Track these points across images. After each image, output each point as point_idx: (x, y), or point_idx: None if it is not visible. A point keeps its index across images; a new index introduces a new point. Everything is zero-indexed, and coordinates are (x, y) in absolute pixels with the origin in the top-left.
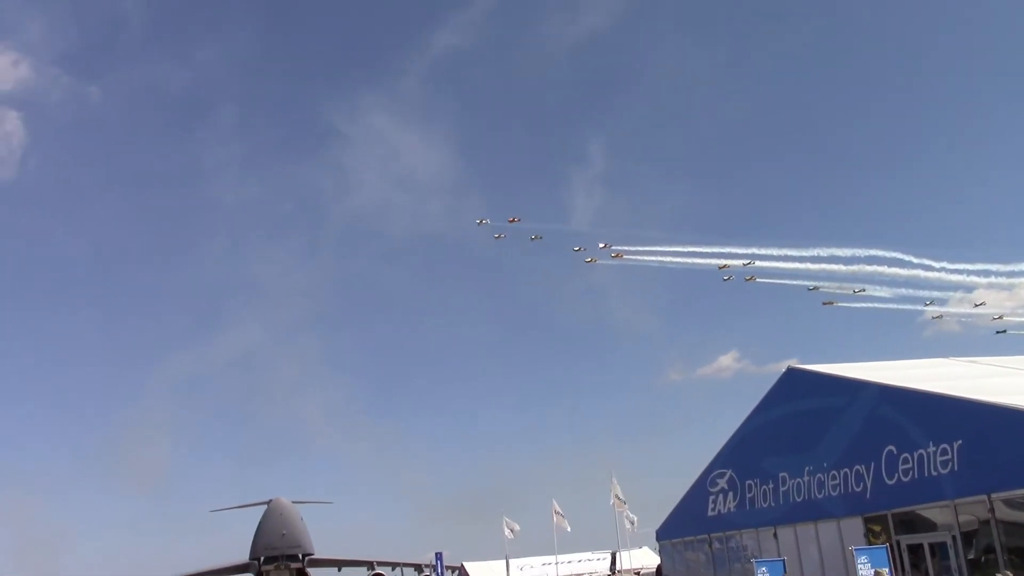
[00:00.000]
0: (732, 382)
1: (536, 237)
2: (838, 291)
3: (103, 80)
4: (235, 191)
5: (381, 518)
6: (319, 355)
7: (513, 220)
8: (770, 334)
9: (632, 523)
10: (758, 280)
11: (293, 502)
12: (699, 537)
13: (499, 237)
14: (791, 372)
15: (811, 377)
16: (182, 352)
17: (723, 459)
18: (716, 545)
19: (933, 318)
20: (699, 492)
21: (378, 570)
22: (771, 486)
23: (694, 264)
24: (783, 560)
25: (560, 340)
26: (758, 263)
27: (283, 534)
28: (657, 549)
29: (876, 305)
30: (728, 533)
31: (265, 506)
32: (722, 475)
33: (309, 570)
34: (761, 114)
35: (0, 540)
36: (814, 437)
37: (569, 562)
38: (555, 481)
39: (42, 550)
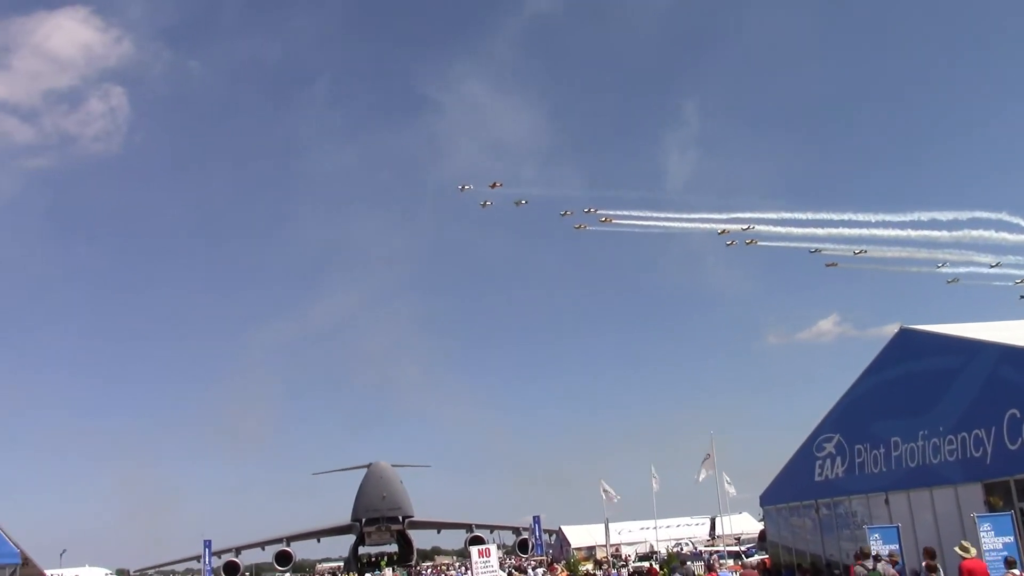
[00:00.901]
0: (832, 346)
1: (519, 202)
2: (941, 258)
3: (202, 54)
4: (332, 160)
5: (479, 481)
6: (415, 320)
7: (495, 185)
8: (870, 297)
9: (730, 485)
10: (857, 254)
11: (392, 465)
12: (805, 503)
13: (485, 205)
14: (904, 333)
15: (925, 338)
16: (282, 319)
17: (830, 423)
18: (824, 511)
19: None
20: (805, 457)
21: (476, 532)
22: (882, 451)
23: (788, 234)
24: (897, 527)
25: (655, 305)
26: (849, 231)
27: (383, 496)
28: (760, 515)
29: (979, 269)
30: (836, 499)
31: (365, 469)
32: (829, 439)
33: (409, 532)
34: (858, 72)
35: (117, 502)
36: (929, 400)
37: (668, 527)
38: (654, 445)
39: (155, 511)
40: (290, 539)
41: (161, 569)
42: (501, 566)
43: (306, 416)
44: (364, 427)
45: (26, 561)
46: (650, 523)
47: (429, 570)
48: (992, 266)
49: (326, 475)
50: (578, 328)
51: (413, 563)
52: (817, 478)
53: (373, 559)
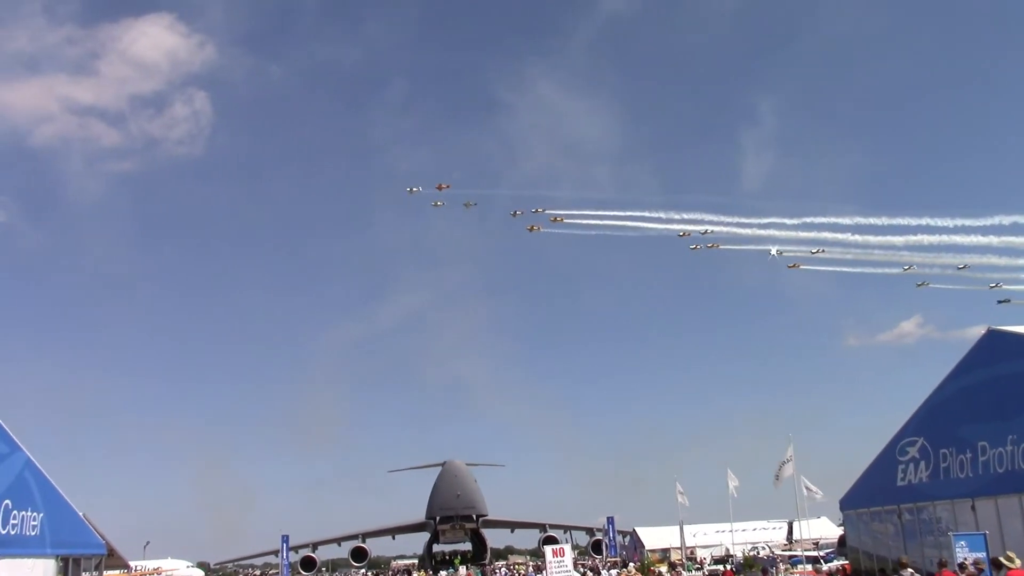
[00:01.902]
0: (915, 348)
1: (469, 204)
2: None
3: (282, 58)
4: (405, 162)
5: (552, 481)
6: (484, 320)
7: (442, 187)
8: (954, 298)
9: (810, 491)
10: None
11: (467, 464)
12: (887, 508)
13: (437, 205)
14: (992, 334)
15: (1015, 340)
16: (354, 319)
17: (914, 426)
18: (907, 516)
19: None
20: (887, 461)
21: (550, 532)
22: (968, 455)
23: (865, 242)
24: (984, 534)
25: (732, 304)
26: (929, 238)
27: (458, 495)
28: (839, 519)
29: None
30: (920, 504)
31: (440, 468)
32: (913, 443)
33: (483, 531)
34: (938, 71)
35: (198, 498)
36: (1018, 404)
37: (744, 530)
38: (729, 447)
39: (233, 507)
40: (365, 536)
41: (240, 563)
42: (575, 566)
43: (379, 414)
44: (436, 425)
45: (111, 552)
46: (726, 526)
47: (502, 569)
48: None
49: (400, 472)
50: (652, 329)
51: (487, 562)
52: (900, 482)
53: (447, 557)
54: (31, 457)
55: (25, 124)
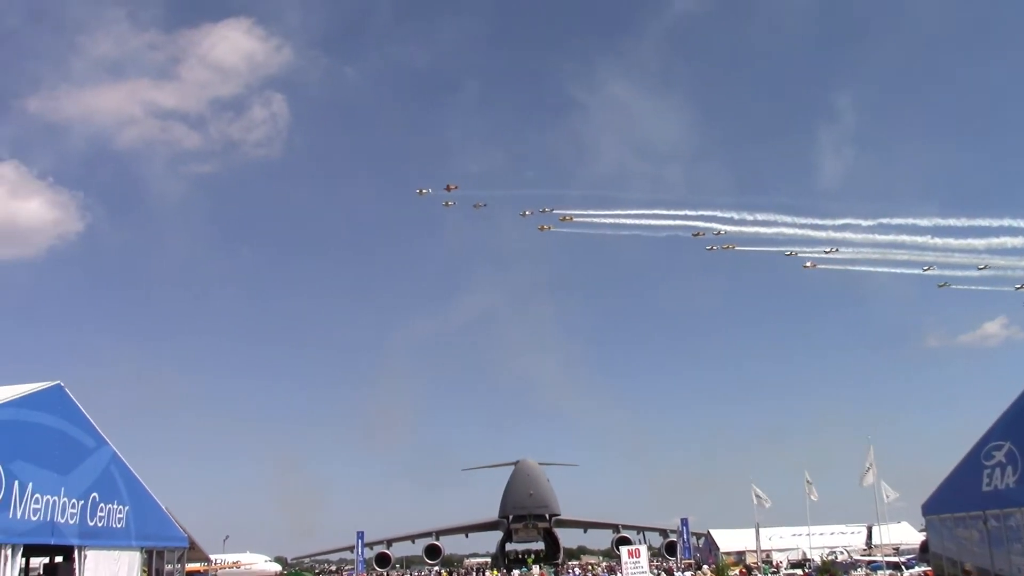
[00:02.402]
0: (999, 350)
1: (478, 204)
2: None
3: (356, 60)
4: (478, 162)
5: (624, 481)
6: (555, 318)
7: (450, 187)
8: None
9: (888, 497)
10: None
11: (540, 463)
12: (972, 514)
13: (447, 205)
14: None
15: None
16: (427, 316)
17: (1000, 430)
18: (992, 523)
19: None
20: (972, 465)
21: (623, 533)
22: None
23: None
24: None
25: (808, 301)
26: (1013, 240)
27: (530, 494)
28: (921, 525)
29: None
30: (1007, 511)
31: (513, 467)
32: (999, 447)
33: (556, 530)
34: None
35: (275, 495)
36: None
37: (821, 534)
38: (806, 448)
39: (309, 503)
40: (439, 533)
41: (316, 558)
42: (649, 568)
43: (452, 412)
44: (508, 424)
45: (193, 545)
46: (803, 529)
47: (575, 569)
48: None
49: (473, 471)
50: (725, 327)
51: (560, 561)
52: (985, 488)
53: (520, 556)
54: (117, 452)
55: (110, 128)
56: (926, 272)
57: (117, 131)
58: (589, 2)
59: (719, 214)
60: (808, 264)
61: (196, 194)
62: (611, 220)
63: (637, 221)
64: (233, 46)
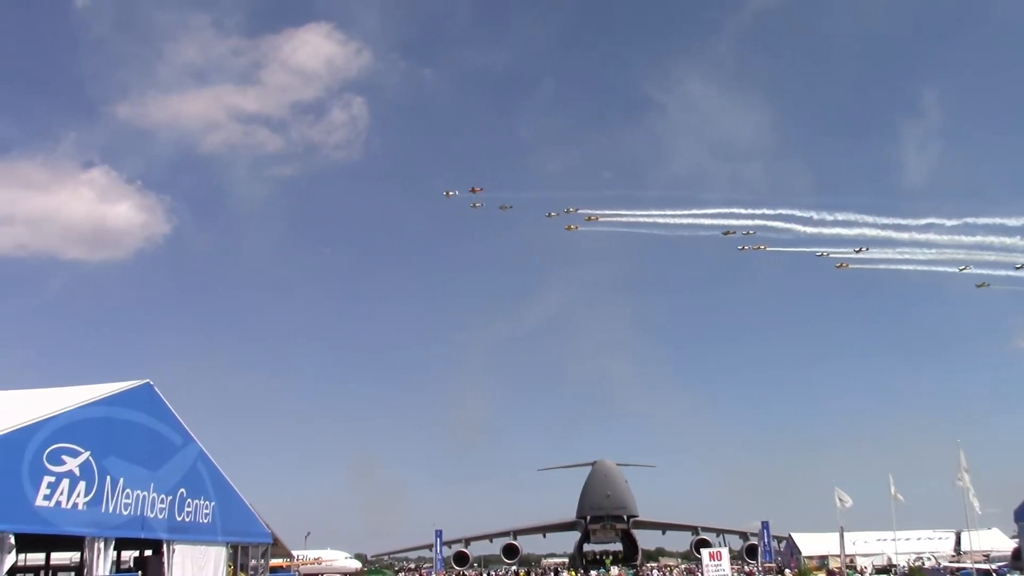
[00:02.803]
0: None
1: (504, 207)
2: None
3: (434, 63)
4: (554, 162)
5: (703, 483)
6: (629, 318)
7: (475, 190)
8: None
9: (976, 505)
10: None
11: (617, 464)
12: None
13: (476, 207)
14: None
15: None
16: (502, 319)
17: None
18: None
19: None
20: None
21: (702, 535)
22: None
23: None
24: None
25: (890, 300)
26: None
27: (608, 495)
28: (1013, 531)
29: None
30: None
31: (590, 467)
32: None
33: (634, 531)
34: None
35: (355, 493)
36: None
37: (907, 539)
38: (891, 451)
39: (388, 502)
40: (517, 533)
41: (395, 555)
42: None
43: (528, 412)
44: (584, 424)
45: (276, 541)
46: (888, 534)
47: (655, 571)
48: None
49: (550, 471)
50: (805, 326)
51: (638, 563)
52: None
53: (598, 556)
54: (203, 449)
55: (195, 132)
56: (1018, 271)
57: (202, 136)
58: (664, 1)
59: (797, 213)
60: (841, 264)
61: (278, 196)
62: (638, 219)
63: (670, 220)
64: (314, 50)
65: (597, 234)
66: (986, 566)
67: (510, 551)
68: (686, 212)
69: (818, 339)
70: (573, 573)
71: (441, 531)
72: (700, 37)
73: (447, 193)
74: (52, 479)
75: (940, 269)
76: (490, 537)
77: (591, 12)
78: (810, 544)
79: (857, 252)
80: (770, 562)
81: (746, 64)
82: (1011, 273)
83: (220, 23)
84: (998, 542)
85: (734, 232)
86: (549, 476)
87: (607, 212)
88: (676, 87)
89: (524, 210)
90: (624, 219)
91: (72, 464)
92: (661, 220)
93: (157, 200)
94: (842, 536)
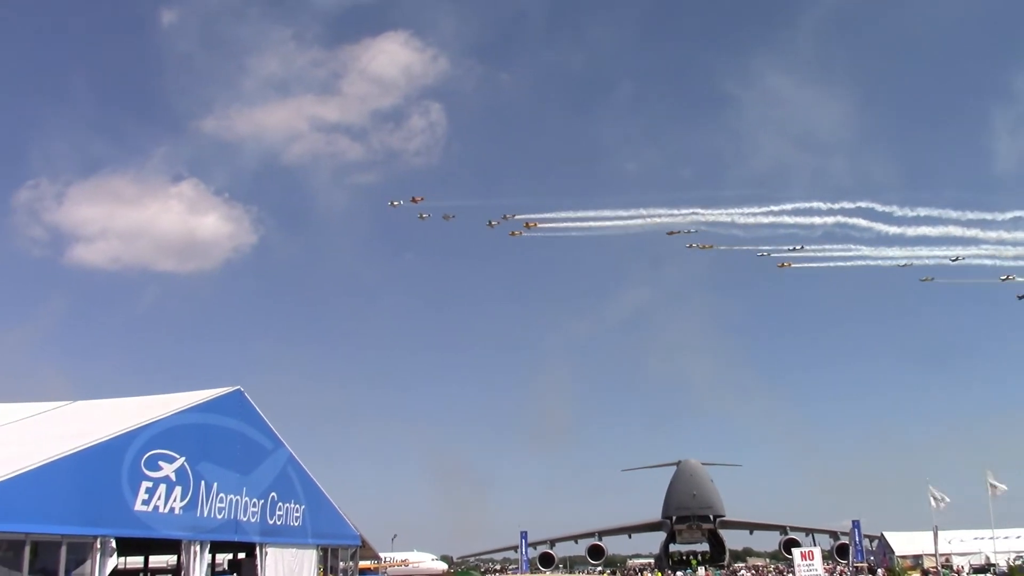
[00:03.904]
0: None
1: (448, 216)
2: None
3: (511, 67)
4: (634, 161)
5: (790, 482)
6: (710, 316)
7: (416, 199)
8: None
9: None
10: None
11: (703, 464)
12: None
13: (423, 217)
14: None
15: None
16: (584, 316)
17: None
18: None
19: None
20: None
21: (791, 535)
22: None
23: None
24: None
25: (977, 299)
26: None
27: (693, 495)
28: None
29: None
30: None
31: (675, 467)
32: None
33: (720, 531)
34: None
35: (441, 496)
36: None
37: (1006, 538)
38: (987, 447)
39: (473, 504)
40: (602, 533)
41: (481, 557)
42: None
43: (610, 412)
44: (667, 424)
45: (364, 543)
46: (986, 532)
47: (742, 571)
48: None
49: (634, 472)
50: (889, 320)
51: (725, 563)
52: None
53: (684, 557)
54: (293, 453)
55: (279, 143)
56: None
57: (285, 146)
58: None
59: (877, 207)
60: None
61: (360, 203)
62: (578, 224)
63: (606, 223)
64: (391, 59)
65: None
66: None
67: (595, 552)
68: (764, 209)
69: (906, 337)
70: (659, 574)
71: (526, 532)
72: (777, 29)
73: (391, 203)
74: (150, 484)
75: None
76: (575, 538)
77: (666, 9)
78: (903, 543)
79: (954, 261)
80: (862, 561)
81: (826, 54)
82: None
83: (300, 36)
84: None
85: (679, 232)
86: (633, 476)
87: (546, 217)
88: (755, 81)
89: (469, 218)
90: (567, 224)
91: (168, 470)
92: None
93: (244, 211)
94: (936, 534)
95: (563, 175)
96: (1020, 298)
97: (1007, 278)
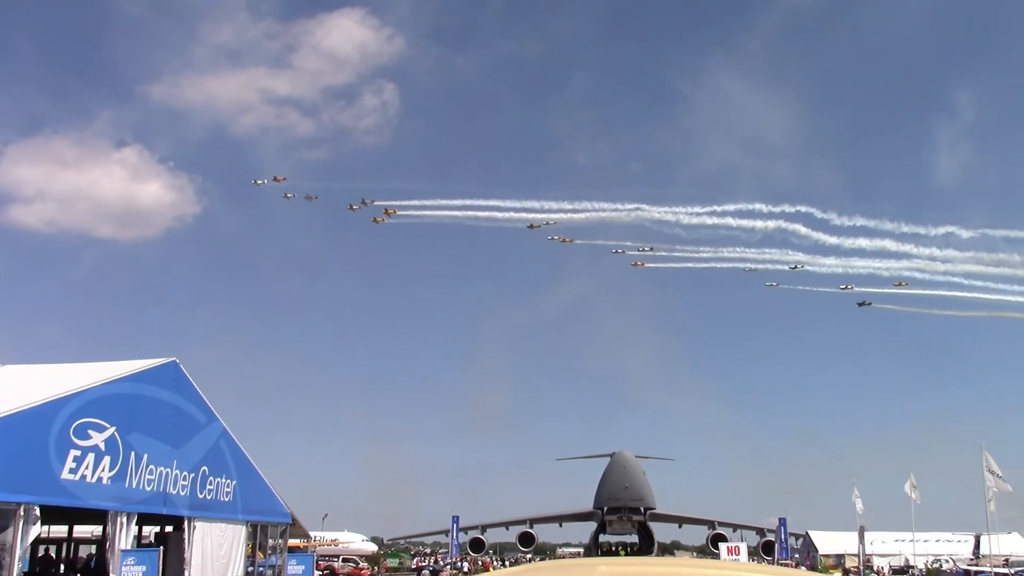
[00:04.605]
0: None
1: (310, 197)
2: None
3: (467, 51)
4: (584, 153)
5: (720, 478)
6: (648, 309)
7: (278, 179)
8: None
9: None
10: None
11: (636, 456)
12: None
13: (288, 197)
14: None
15: None
16: (524, 305)
17: None
18: None
19: None
20: None
21: (719, 530)
22: None
23: None
24: None
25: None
26: None
27: (626, 487)
28: None
29: None
30: None
31: (609, 458)
32: None
33: (650, 524)
34: None
35: (372, 478)
36: None
37: (925, 541)
38: (910, 452)
39: (404, 487)
40: (533, 521)
41: (411, 539)
42: None
43: (546, 402)
44: (602, 415)
45: (295, 522)
46: (906, 535)
47: None
48: None
49: (568, 461)
50: (819, 324)
51: (653, 555)
52: None
53: (613, 548)
54: (226, 428)
55: (227, 114)
56: None
57: (234, 117)
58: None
59: (815, 212)
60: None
61: (308, 179)
62: (444, 213)
63: (464, 213)
64: (346, 35)
65: (617, 226)
66: (1005, 570)
67: (526, 539)
68: (708, 210)
69: (836, 339)
70: None
71: (458, 517)
72: (733, 33)
73: (255, 182)
74: (78, 453)
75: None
76: (506, 525)
77: (626, 5)
78: (827, 542)
79: (898, 286)
80: (787, 559)
81: (779, 61)
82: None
83: (255, 6)
84: (1018, 546)
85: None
86: (567, 466)
87: (405, 204)
88: (707, 82)
89: (332, 200)
90: (428, 212)
91: (98, 439)
92: (453, 213)
93: (188, 180)
94: (862, 535)
95: (512, 163)
96: (860, 305)
97: (846, 287)
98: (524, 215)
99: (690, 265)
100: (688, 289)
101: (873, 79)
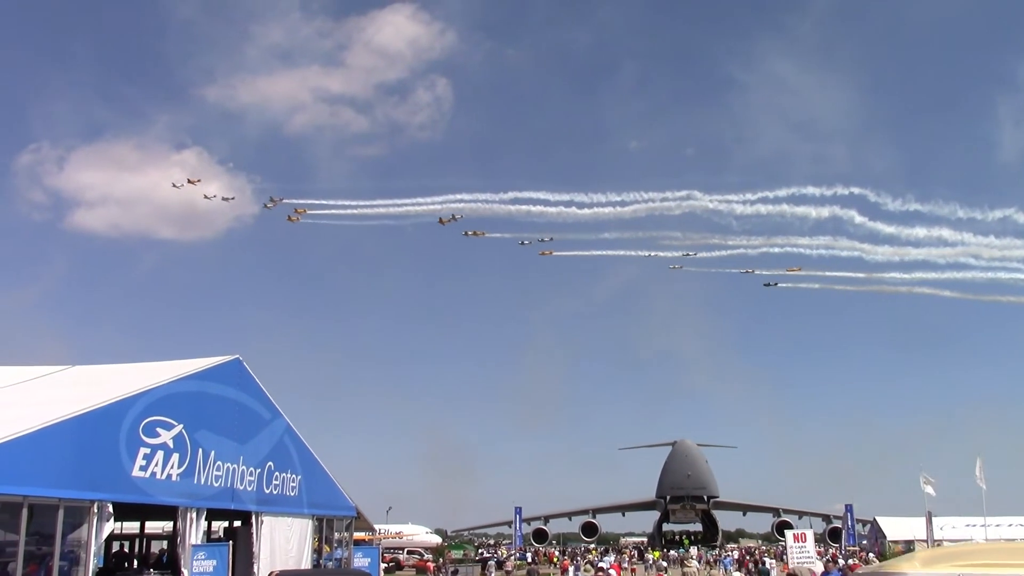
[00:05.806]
0: None
1: (227, 199)
2: None
3: (518, 43)
4: (637, 141)
5: (784, 465)
6: (706, 297)
7: (193, 181)
8: None
9: None
10: None
11: (698, 444)
12: None
13: (227, 199)
14: None
15: None
16: (573, 294)
17: None
18: None
19: None
20: None
21: (784, 517)
22: None
23: None
24: None
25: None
26: None
27: (688, 475)
28: None
29: None
30: None
31: (671, 447)
32: None
33: (714, 512)
34: None
35: (435, 471)
36: None
37: (998, 525)
38: (982, 436)
39: (468, 480)
40: (596, 511)
41: (475, 531)
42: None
43: (607, 391)
44: (664, 404)
45: (359, 515)
46: (978, 519)
47: (735, 552)
48: None
49: (630, 451)
50: (891, 304)
51: (718, 543)
52: None
53: (677, 537)
54: (290, 423)
55: (282, 114)
56: None
57: (288, 117)
58: None
59: (868, 194)
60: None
61: (362, 176)
62: (351, 211)
63: (384, 211)
64: (398, 31)
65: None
66: None
67: (589, 529)
68: (759, 196)
69: (907, 319)
70: (657, 553)
71: (521, 508)
72: (783, 15)
73: (178, 183)
74: (147, 451)
75: None
76: (569, 515)
77: None
78: (895, 528)
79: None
80: (854, 545)
81: (832, 41)
82: None
83: (307, 5)
84: None
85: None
86: (629, 455)
87: (313, 203)
88: (759, 66)
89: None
90: (339, 212)
91: (166, 436)
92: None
93: (247, 180)
94: (929, 520)
95: (565, 153)
96: (766, 285)
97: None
98: (573, 210)
99: (738, 252)
100: (739, 275)
101: (929, 55)
